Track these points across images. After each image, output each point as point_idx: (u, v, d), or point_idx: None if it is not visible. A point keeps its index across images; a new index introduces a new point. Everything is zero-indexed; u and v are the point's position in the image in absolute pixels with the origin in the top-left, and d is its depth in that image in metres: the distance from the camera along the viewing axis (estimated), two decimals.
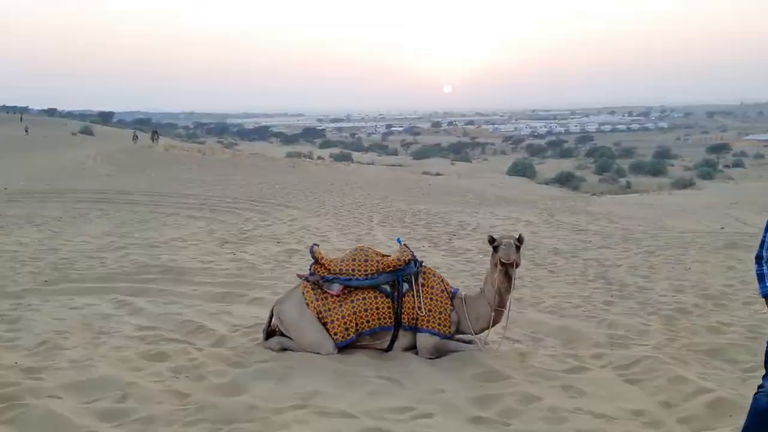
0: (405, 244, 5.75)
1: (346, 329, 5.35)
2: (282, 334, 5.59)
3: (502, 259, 5.14)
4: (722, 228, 20.10)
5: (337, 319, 5.34)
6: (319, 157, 77.82)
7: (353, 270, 5.44)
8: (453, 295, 5.56)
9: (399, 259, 5.51)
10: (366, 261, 5.49)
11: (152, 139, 55.32)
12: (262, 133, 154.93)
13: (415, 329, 5.41)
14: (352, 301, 5.39)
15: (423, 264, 5.67)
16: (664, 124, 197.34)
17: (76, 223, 15.73)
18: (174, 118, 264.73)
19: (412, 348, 5.49)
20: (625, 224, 18.67)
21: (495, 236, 5.32)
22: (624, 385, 4.77)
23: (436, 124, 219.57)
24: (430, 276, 5.55)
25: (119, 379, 4.52)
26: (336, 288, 5.41)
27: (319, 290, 5.48)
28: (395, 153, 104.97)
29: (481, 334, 5.50)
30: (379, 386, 4.64)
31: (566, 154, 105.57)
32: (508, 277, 5.25)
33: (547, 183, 62.55)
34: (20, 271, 9.30)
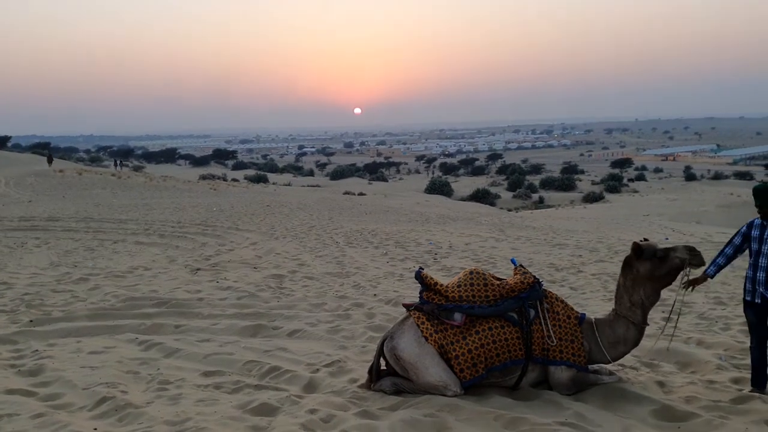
0: (521, 265, 5.08)
1: (474, 365, 4.64)
2: (392, 373, 4.90)
3: (693, 265, 4.68)
4: (666, 238, 20.77)
5: (463, 354, 4.63)
6: (234, 179, 75.77)
7: (473, 296, 4.76)
8: (580, 321, 4.92)
9: (522, 283, 4.84)
10: (486, 286, 4.80)
11: (116, 166, 54.61)
12: (169, 155, 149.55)
13: (546, 362, 4.77)
14: (477, 333, 4.69)
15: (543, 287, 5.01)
16: (567, 141, 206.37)
17: (14, 254, 14.28)
18: (73, 141, 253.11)
19: (541, 383, 4.87)
20: (585, 237, 18.87)
21: (642, 242, 4.82)
22: None
23: (349, 144, 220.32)
24: (553, 300, 4.91)
25: None
26: (458, 318, 4.70)
27: (436, 321, 4.78)
28: (311, 174, 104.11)
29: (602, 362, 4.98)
30: None
31: (478, 171, 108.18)
32: (664, 286, 4.84)
33: (464, 200, 63.68)
34: None
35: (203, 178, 69.90)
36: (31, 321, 7.46)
